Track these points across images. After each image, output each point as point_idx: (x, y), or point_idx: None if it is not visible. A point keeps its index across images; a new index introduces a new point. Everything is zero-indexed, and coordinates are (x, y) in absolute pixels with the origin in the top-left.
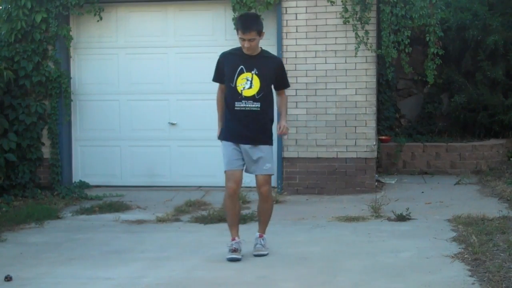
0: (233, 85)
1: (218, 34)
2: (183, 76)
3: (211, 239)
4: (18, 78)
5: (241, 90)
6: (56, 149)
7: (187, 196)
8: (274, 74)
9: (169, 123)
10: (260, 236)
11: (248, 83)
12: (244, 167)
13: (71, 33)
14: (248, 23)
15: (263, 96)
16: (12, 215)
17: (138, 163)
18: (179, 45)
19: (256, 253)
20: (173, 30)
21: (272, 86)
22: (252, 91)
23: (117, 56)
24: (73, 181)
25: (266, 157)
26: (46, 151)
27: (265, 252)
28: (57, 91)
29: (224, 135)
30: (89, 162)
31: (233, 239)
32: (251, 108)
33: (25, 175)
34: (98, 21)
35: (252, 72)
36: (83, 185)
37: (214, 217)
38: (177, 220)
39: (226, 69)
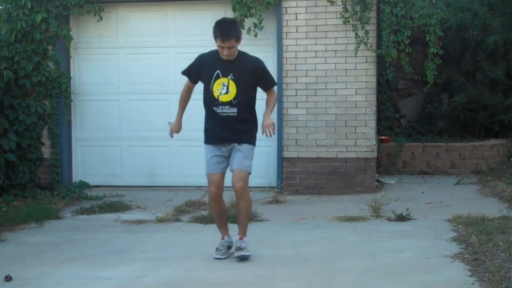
0: (210, 90)
1: None
2: (183, 76)
3: (211, 239)
4: (18, 78)
5: (218, 96)
6: (56, 149)
7: (187, 196)
8: (252, 78)
9: (169, 123)
10: (240, 238)
11: (224, 88)
12: (226, 170)
13: (71, 33)
14: (226, 31)
15: (241, 101)
16: (12, 215)
17: (138, 163)
18: (179, 45)
19: (237, 255)
20: (173, 30)
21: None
22: (229, 97)
23: (117, 56)
24: (73, 181)
25: (246, 154)
26: (46, 151)
27: (247, 253)
28: (57, 91)
29: (206, 139)
30: (89, 162)
31: (222, 238)
32: (228, 114)
33: (25, 175)
34: (98, 21)
35: (228, 77)
36: (83, 185)
37: None
38: (177, 220)
39: (204, 72)
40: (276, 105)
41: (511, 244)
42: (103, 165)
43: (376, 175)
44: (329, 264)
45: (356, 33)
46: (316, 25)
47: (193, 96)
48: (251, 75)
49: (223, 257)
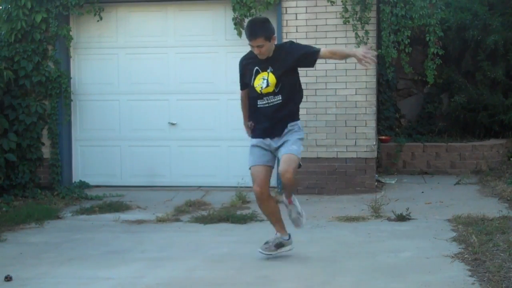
0: (253, 86)
1: (218, 34)
2: (183, 76)
3: (211, 239)
4: (18, 78)
5: (260, 90)
6: (56, 149)
7: (187, 196)
8: (292, 60)
9: (169, 123)
10: (289, 202)
11: (264, 82)
12: (272, 164)
13: (71, 33)
14: (254, 30)
15: (283, 87)
16: (12, 215)
17: (138, 163)
18: (179, 45)
19: (295, 225)
20: (173, 30)
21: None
22: (270, 88)
23: (117, 56)
24: (73, 181)
25: (293, 140)
26: (46, 151)
27: (304, 220)
28: (57, 91)
29: (253, 134)
30: (89, 162)
31: (276, 234)
32: (274, 102)
33: (25, 175)
34: (98, 21)
35: (268, 70)
36: (83, 185)
37: (214, 217)
38: (177, 220)
39: (246, 71)
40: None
41: (511, 244)
42: (103, 165)
43: (376, 175)
44: (329, 264)
45: (356, 33)
46: (316, 25)
47: (193, 96)
48: (289, 59)
49: (266, 252)
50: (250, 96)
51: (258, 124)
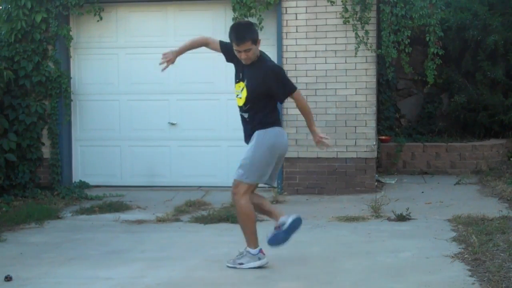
0: (234, 88)
1: (218, 34)
2: (183, 76)
3: (211, 239)
4: (18, 78)
5: (236, 96)
6: (56, 149)
7: (187, 196)
8: (264, 86)
9: (169, 123)
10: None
11: (240, 92)
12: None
13: (71, 33)
14: (241, 34)
15: (251, 107)
16: (12, 215)
17: (138, 163)
18: (179, 45)
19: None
20: (173, 30)
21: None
22: (240, 101)
23: (117, 56)
24: (73, 181)
25: (243, 161)
26: (46, 151)
27: (230, 265)
28: (57, 91)
29: None
30: (89, 162)
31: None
32: (242, 114)
33: (25, 175)
34: (98, 21)
35: (244, 82)
36: (83, 185)
37: (214, 217)
38: (177, 220)
39: (235, 65)
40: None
41: (511, 244)
42: (103, 165)
43: (376, 175)
44: (329, 264)
45: (356, 33)
46: (316, 25)
47: (193, 96)
48: (262, 83)
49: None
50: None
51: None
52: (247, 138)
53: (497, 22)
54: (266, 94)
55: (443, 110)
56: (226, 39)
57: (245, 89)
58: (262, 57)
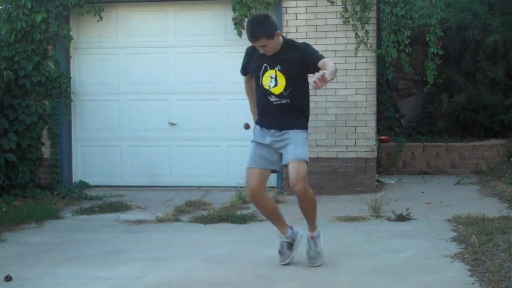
0: (260, 84)
1: (218, 34)
2: (183, 76)
3: (211, 239)
4: (18, 78)
5: (268, 89)
6: (56, 149)
7: (187, 196)
8: (300, 64)
9: (169, 123)
10: (312, 238)
11: (273, 81)
12: (272, 167)
13: (71, 33)
14: (254, 31)
15: (292, 91)
16: (12, 215)
17: (138, 163)
18: (179, 45)
19: (310, 264)
20: (173, 30)
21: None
22: (279, 89)
23: (117, 56)
24: (73, 181)
25: (298, 142)
26: (46, 151)
27: (321, 261)
28: (57, 91)
29: (257, 121)
30: (89, 162)
31: (280, 236)
32: (282, 102)
33: (25, 175)
34: (98, 21)
35: (275, 69)
36: (83, 185)
37: (214, 217)
38: (177, 220)
39: (252, 65)
40: (332, 76)
41: (511, 244)
42: (103, 165)
43: (376, 175)
44: (329, 264)
45: (356, 33)
46: (316, 25)
47: (193, 96)
48: (298, 62)
49: (287, 261)
50: (257, 90)
51: (264, 115)
52: (281, 125)
53: (497, 22)
54: (303, 75)
55: (443, 110)
56: (225, 38)
57: (280, 74)
58: (287, 40)
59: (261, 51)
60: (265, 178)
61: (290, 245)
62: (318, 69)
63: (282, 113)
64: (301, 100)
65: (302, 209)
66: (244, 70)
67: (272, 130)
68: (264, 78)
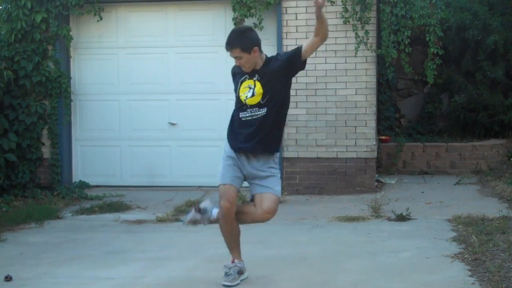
0: (237, 95)
1: (218, 34)
2: (183, 76)
3: (211, 239)
4: (18, 78)
5: (244, 100)
6: (56, 149)
7: (187, 196)
8: (283, 72)
9: (169, 123)
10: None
11: (250, 91)
12: (240, 185)
13: (71, 33)
14: (229, 40)
15: (269, 100)
16: (12, 215)
17: (138, 163)
18: (179, 45)
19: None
20: (173, 30)
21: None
22: (256, 98)
23: (117, 56)
24: (73, 181)
25: (277, 176)
26: (46, 151)
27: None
28: (57, 91)
29: (232, 142)
30: (89, 162)
31: (233, 261)
32: (258, 115)
33: (25, 175)
34: (98, 21)
35: (254, 78)
36: (83, 185)
37: None
38: (177, 220)
39: (236, 80)
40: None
41: (511, 244)
42: (103, 165)
43: (376, 175)
44: (329, 264)
45: (356, 33)
46: None
47: (193, 96)
48: (281, 69)
49: (233, 284)
50: (235, 108)
51: (239, 131)
52: (256, 148)
53: (497, 22)
54: (282, 78)
55: (443, 110)
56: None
57: (258, 83)
58: (270, 58)
59: (236, 63)
60: (236, 196)
61: (240, 272)
62: (303, 61)
63: (261, 126)
64: (279, 107)
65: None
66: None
67: (254, 161)
68: (241, 88)
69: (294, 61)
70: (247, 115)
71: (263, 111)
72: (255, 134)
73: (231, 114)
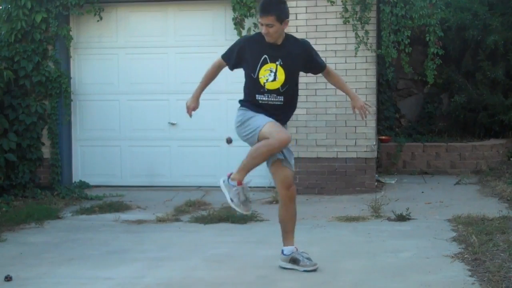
0: (255, 76)
1: (218, 34)
2: (183, 76)
3: (211, 239)
4: (18, 78)
5: (264, 83)
6: (56, 149)
7: (187, 196)
8: (302, 61)
9: (169, 123)
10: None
11: (272, 75)
12: None
13: (71, 33)
14: (266, 6)
15: (288, 89)
16: (12, 215)
17: (138, 163)
18: (179, 45)
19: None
20: (173, 30)
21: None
22: (277, 84)
23: (117, 56)
24: (73, 181)
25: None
26: (46, 151)
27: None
28: (57, 91)
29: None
30: (89, 162)
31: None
32: (274, 102)
33: (25, 175)
34: (98, 21)
35: (277, 63)
36: (83, 185)
37: (214, 217)
38: (177, 220)
39: (248, 56)
40: None
41: (511, 244)
42: (103, 165)
43: (376, 175)
44: (329, 264)
45: (356, 33)
46: (316, 25)
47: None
48: (301, 59)
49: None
50: (247, 86)
51: (257, 109)
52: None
53: (497, 22)
54: (299, 72)
55: (443, 110)
56: (225, 38)
57: (281, 69)
58: (289, 35)
59: (263, 31)
60: None
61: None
62: (320, 69)
63: (275, 115)
64: (293, 98)
65: (288, 213)
66: (229, 55)
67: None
68: (261, 71)
69: (315, 69)
70: (264, 99)
71: (280, 99)
72: (271, 115)
73: (244, 90)
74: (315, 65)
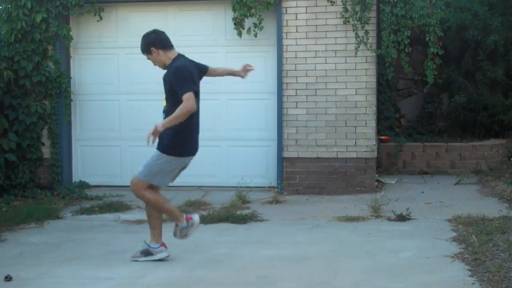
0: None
1: (218, 34)
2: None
3: (211, 239)
4: (18, 78)
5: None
6: (56, 149)
7: (187, 196)
8: (168, 82)
9: None
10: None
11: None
12: None
13: (71, 33)
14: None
15: (168, 107)
16: (12, 215)
17: (138, 163)
18: (179, 45)
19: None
20: (173, 30)
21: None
22: (164, 103)
23: (117, 56)
24: (73, 181)
25: (148, 161)
26: (46, 151)
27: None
28: (57, 91)
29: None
30: (89, 162)
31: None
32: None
33: (25, 175)
34: (98, 21)
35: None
36: (83, 185)
37: (214, 217)
38: None
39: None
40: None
41: (511, 244)
42: (103, 165)
43: (376, 175)
44: (329, 264)
45: (356, 33)
46: (316, 25)
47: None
48: (168, 79)
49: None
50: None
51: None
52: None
53: (497, 22)
54: (171, 91)
55: (443, 110)
56: (225, 38)
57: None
58: (173, 60)
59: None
60: None
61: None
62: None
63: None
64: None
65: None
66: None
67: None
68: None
69: (176, 89)
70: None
71: (163, 116)
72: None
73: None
74: (174, 90)
